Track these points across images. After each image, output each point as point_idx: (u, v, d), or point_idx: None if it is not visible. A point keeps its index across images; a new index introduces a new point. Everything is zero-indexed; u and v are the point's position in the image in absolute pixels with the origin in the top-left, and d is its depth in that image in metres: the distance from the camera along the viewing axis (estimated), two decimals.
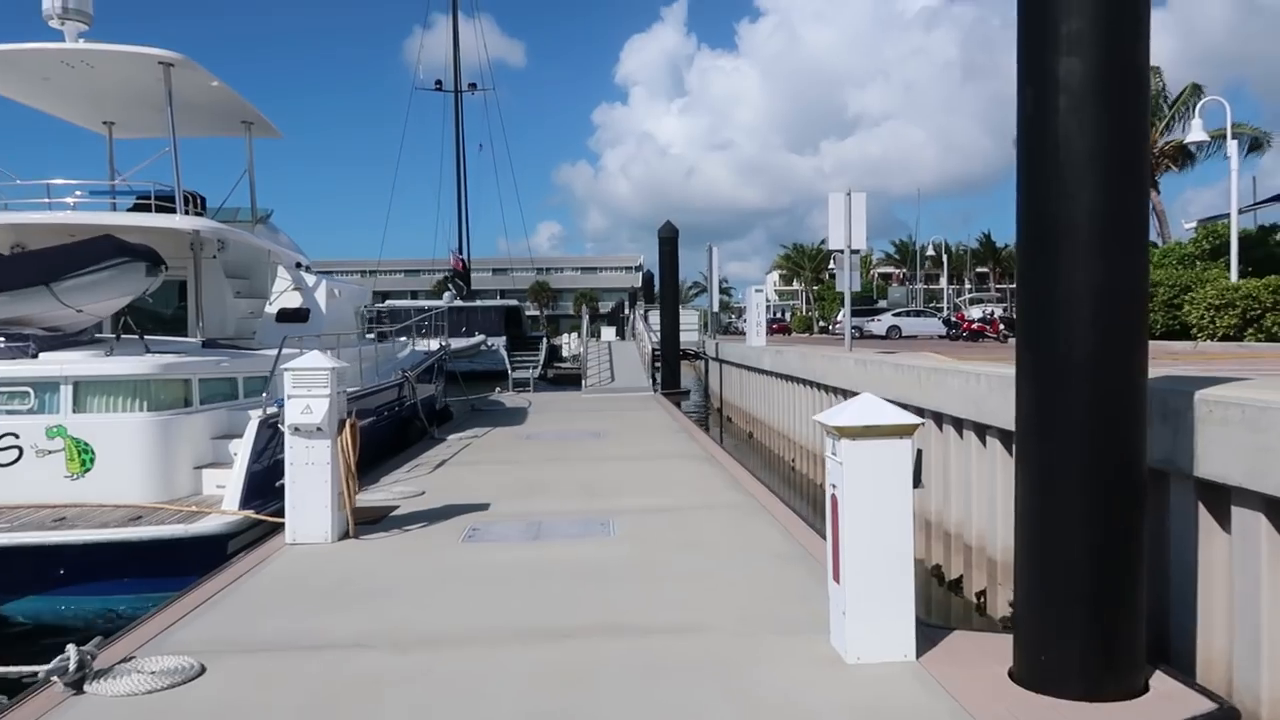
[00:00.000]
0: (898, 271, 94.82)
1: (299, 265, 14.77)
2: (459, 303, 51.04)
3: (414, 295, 68.59)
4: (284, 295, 14.19)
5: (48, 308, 9.37)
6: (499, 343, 48.19)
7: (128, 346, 9.93)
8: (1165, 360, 8.91)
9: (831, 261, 79.49)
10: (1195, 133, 23.24)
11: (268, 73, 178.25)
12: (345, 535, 7.71)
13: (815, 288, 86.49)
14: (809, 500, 14.26)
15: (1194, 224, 27.90)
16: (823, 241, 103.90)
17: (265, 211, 15.78)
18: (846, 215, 14.04)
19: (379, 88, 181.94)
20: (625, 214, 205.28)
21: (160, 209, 12.34)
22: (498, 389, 25.18)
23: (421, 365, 17.08)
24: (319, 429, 7.56)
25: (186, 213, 12.43)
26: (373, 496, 9.67)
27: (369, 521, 8.46)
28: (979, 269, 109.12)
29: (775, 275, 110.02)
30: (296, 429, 7.56)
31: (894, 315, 42.86)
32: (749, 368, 21.36)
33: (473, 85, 56.13)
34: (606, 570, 6.55)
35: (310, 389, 7.58)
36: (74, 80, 12.37)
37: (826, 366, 13.57)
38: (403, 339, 18.50)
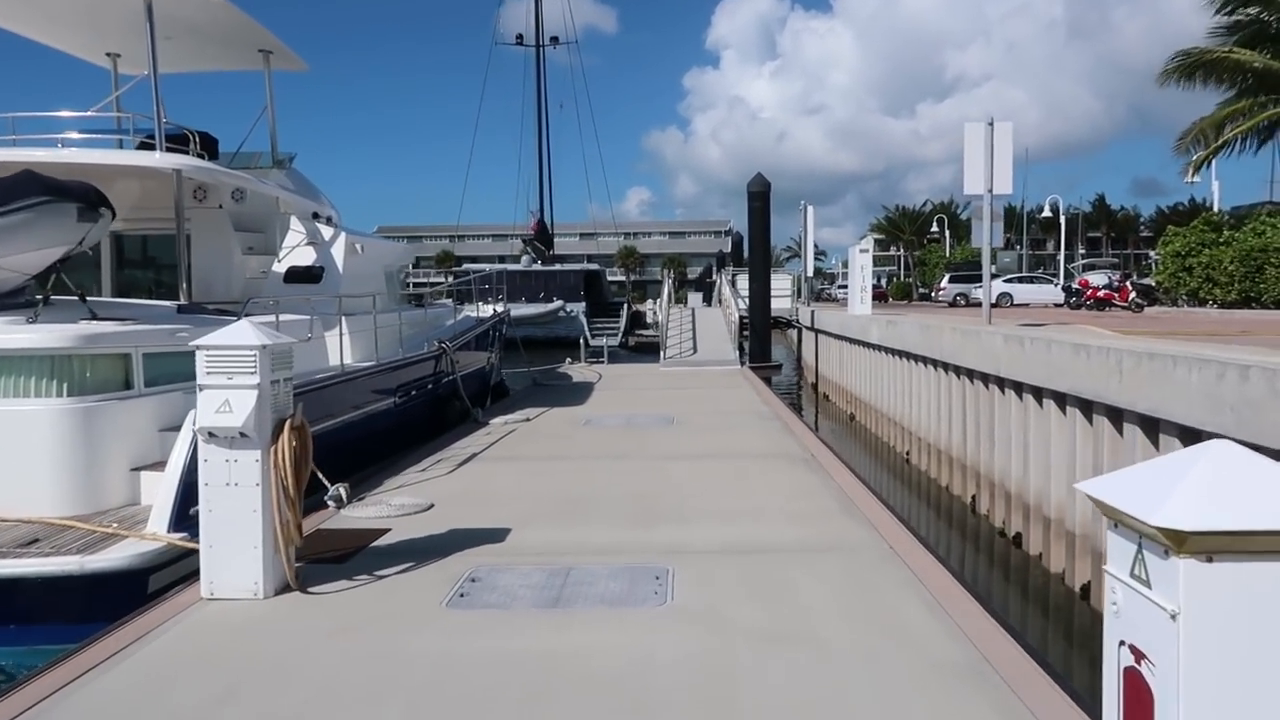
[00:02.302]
0: (1003, 236, 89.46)
1: (316, 216, 12.50)
2: (537, 266, 48.99)
3: (500, 260, 67.06)
4: (295, 251, 11.95)
5: None
6: (578, 308, 46.01)
7: (62, 311, 7.74)
8: None
9: (934, 225, 74.84)
10: None
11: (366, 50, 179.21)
12: (286, 587, 5.35)
13: (916, 252, 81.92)
14: (938, 513, 11.44)
15: None
16: (924, 205, 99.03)
17: (287, 155, 13.59)
18: (987, 151, 11.05)
19: (465, 48, 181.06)
20: (715, 179, 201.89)
21: (171, 151, 10.29)
22: (567, 360, 22.81)
23: (468, 334, 14.74)
24: (243, 434, 5.18)
25: (185, 155, 10.31)
26: (362, 513, 7.32)
27: (338, 557, 6.10)
28: (1090, 234, 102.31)
29: (871, 239, 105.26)
30: (211, 434, 5.20)
31: (1005, 281, 39.12)
32: (851, 340, 18.45)
33: (555, 39, 53.75)
34: (648, 693, 3.98)
35: (231, 376, 5.19)
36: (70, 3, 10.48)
37: (960, 343, 10.68)
38: (451, 303, 16.14)
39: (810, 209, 30.81)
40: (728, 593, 5.22)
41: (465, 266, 40.86)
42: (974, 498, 10.73)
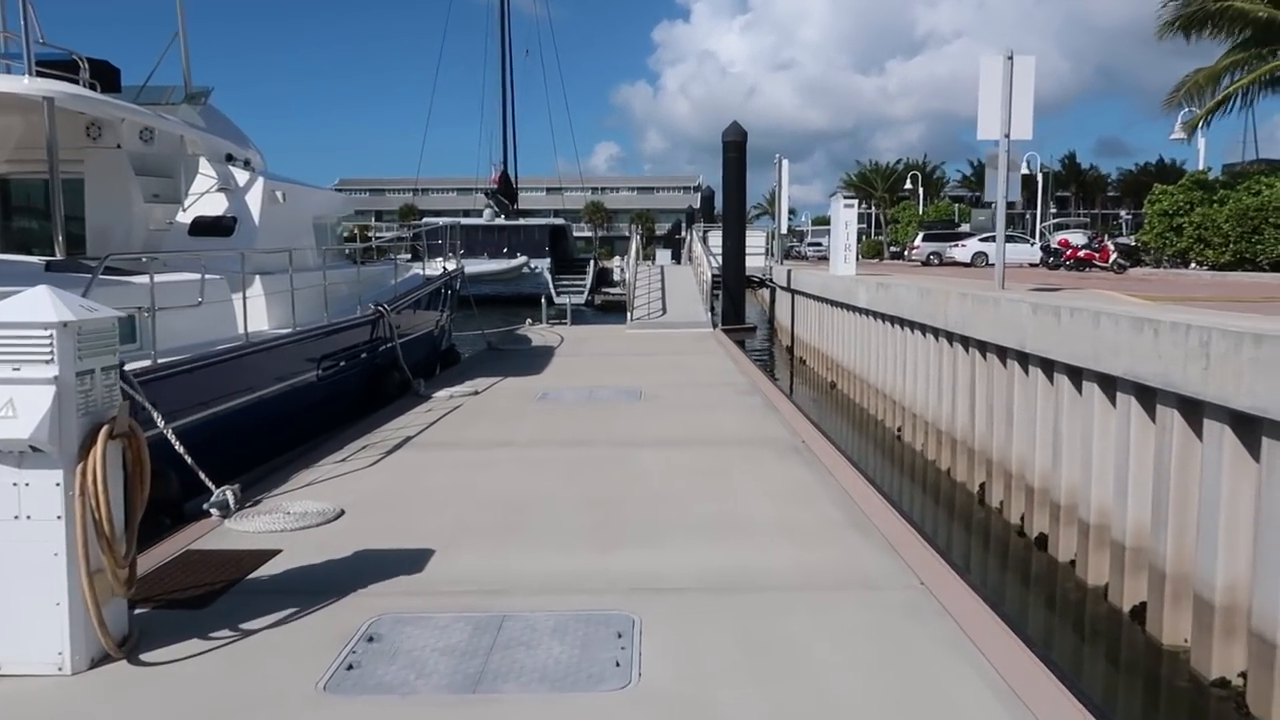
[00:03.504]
0: (971, 195, 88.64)
1: (231, 160, 10.79)
2: (500, 220, 47.05)
3: (465, 214, 64.97)
4: (204, 199, 10.28)
5: None
6: (543, 265, 44.23)
7: None
8: None
9: (907, 183, 73.52)
10: None
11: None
12: (107, 657, 3.87)
13: (888, 210, 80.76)
14: (937, 500, 10.14)
15: None
16: (898, 162, 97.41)
17: (201, 89, 11.82)
18: (1005, 91, 9.58)
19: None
20: (684, 135, 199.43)
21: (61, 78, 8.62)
22: (528, 321, 21.27)
23: (412, 295, 13.15)
24: (34, 448, 3.66)
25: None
26: (251, 525, 5.83)
27: (200, 597, 4.63)
28: (1059, 193, 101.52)
29: (840, 196, 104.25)
30: None
31: (980, 240, 38.05)
32: (834, 302, 17.07)
33: None
34: None
35: (17, 366, 3.66)
36: None
37: (972, 310, 9.29)
38: (395, 260, 14.44)
39: (785, 162, 29.31)
40: (715, 663, 3.82)
41: (424, 220, 38.89)
42: (983, 486, 9.44)
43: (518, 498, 6.44)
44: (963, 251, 35.75)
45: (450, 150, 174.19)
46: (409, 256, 25.32)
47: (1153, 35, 27.10)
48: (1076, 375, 7.20)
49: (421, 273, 15.07)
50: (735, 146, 21.69)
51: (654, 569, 4.94)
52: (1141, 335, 5.94)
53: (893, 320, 12.79)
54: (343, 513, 6.12)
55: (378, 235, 21.75)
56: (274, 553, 5.34)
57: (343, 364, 10.19)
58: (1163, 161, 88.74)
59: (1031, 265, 32.86)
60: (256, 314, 9.12)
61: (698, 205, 68.27)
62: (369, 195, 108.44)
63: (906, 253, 43.76)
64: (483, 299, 42.10)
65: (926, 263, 35.59)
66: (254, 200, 10.33)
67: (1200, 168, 29.94)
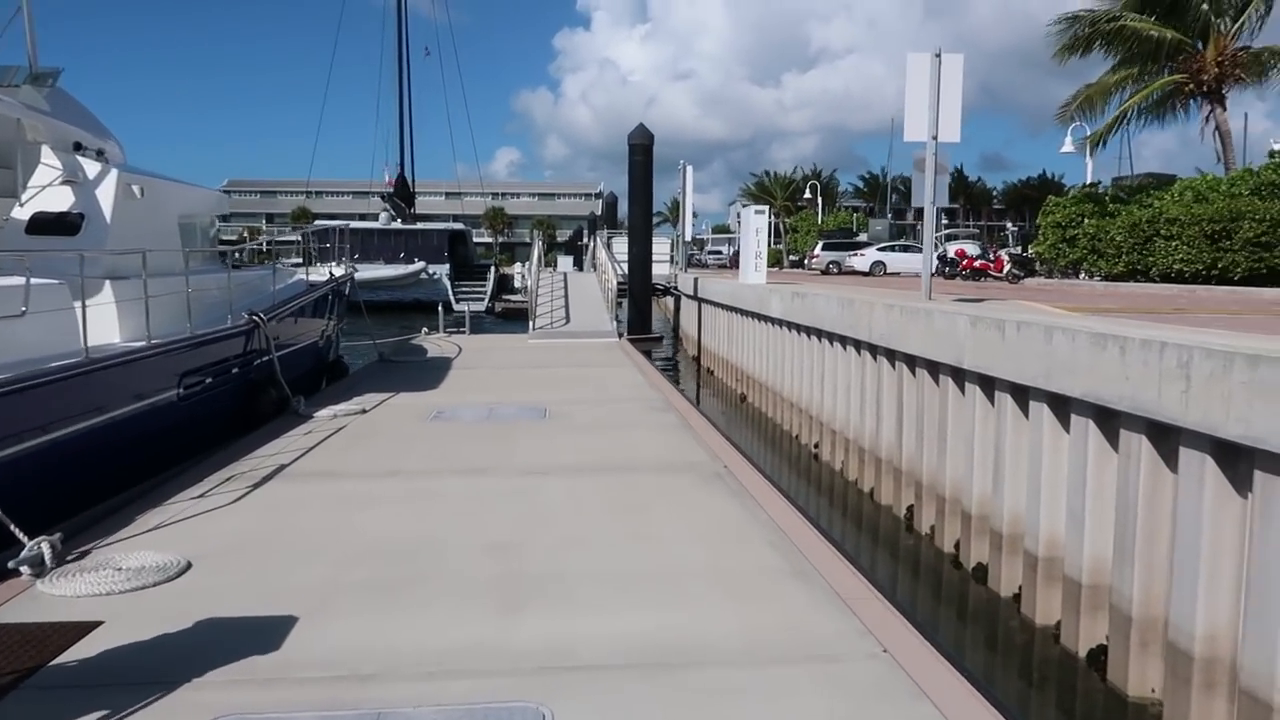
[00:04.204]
0: (866, 205, 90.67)
1: (80, 149, 9.47)
2: (397, 224, 45.35)
3: (362, 218, 62.69)
4: (45, 193, 8.96)
5: None
6: (442, 271, 42.73)
7: None
8: None
9: (807, 192, 74.40)
10: None
11: None
12: None
13: (788, 219, 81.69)
14: (860, 524, 9.55)
15: None
16: (796, 172, 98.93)
17: (49, 70, 10.41)
18: (933, 90, 9.08)
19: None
20: (585, 142, 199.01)
21: None
22: (423, 330, 20.09)
23: (294, 302, 11.96)
24: None
25: None
26: (72, 587, 4.76)
27: None
28: (949, 205, 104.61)
29: (739, 206, 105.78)
30: None
31: (878, 250, 38.58)
32: (744, 312, 16.50)
33: None
34: None
35: None
36: None
37: (901, 323, 8.73)
38: (274, 265, 13.18)
39: (690, 169, 28.84)
40: None
41: (316, 223, 37.07)
42: (911, 510, 8.89)
43: (403, 544, 5.49)
44: (861, 260, 36.27)
45: (347, 152, 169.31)
46: (299, 261, 23.83)
47: (1031, 57, 27.96)
48: (1022, 394, 6.66)
49: (305, 278, 13.83)
50: (642, 149, 20.99)
51: (567, 640, 4.09)
52: (1104, 353, 5.39)
53: (810, 331, 12.23)
54: (189, 566, 5.08)
55: (265, 239, 20.20)
56: (93, 625, 4.29)
57: (209, 381, 9.00)
58: (1045, 175, 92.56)
59: (930, 275, 33.32)
60: (105, 324, 7.91)
61: (600, 212, 67.51)
62: (260, 197, 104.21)
63: (806, 261, 43.98)
64: (378, 306, 40.33)
65: (826, 271, 35.84)
66: (106, 195, 9.06)
67: (1089, 181, 30.69)
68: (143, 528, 5.87)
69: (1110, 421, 5.60)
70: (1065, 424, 6.13)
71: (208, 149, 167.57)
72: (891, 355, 9.28)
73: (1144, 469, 5.24)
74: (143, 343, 7.99)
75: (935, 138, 9.15)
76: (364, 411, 10.16)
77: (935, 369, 8.21)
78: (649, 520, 5.97)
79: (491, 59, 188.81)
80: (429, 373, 13.69)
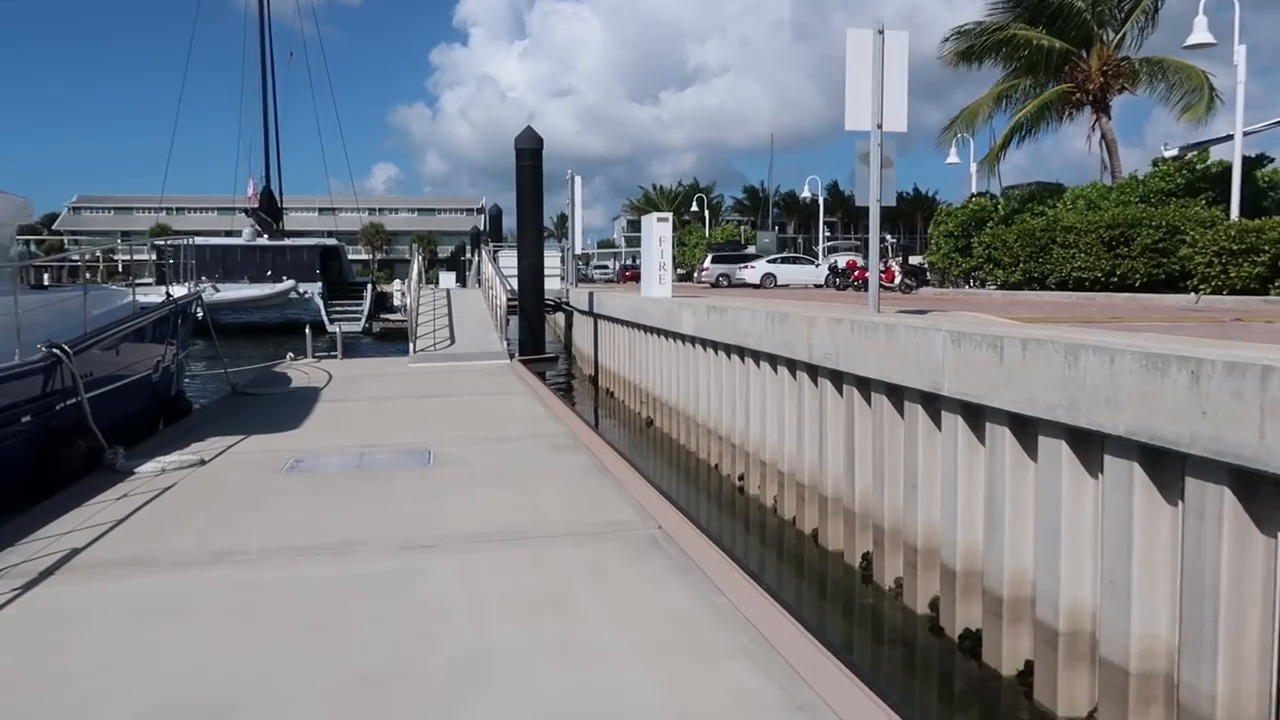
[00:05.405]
0: (748, 219, 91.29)
1: None
2: (263, 240, 42.28)
3: (227, 234, 58.68)
4: None
5: None
6: (313, 289, 39.94)
7: None
8: None
9: (693, 203, 74.11)
10: (1198, 33, 18.33)
11: None
12: None
13: (675, 233, 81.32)
14: (803, 572, 8.16)
15: (1175, 150, 23.39)
16: (678, 185, 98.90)
17: None
18: (876, 72, 7.84)
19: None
20: (465, 158, 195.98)
21: None
22: (289, 355, 17.93)
23: (116, 330, 9.86)
24: None
25: None
26: None
27: None
28: (828, 218, 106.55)
29: (624, 220, 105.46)
30: None
31: (768, 262, 38.06)
32: (650, 328, 15.07)
33: None
34: None
35: None
36: None
37: (850, 340, 7.40)
38: (86, 286, 10.94)
39: (579, 179, 27.37)
40: None
41: (168, 240, 33.97)
42: (867, 557, 7.58)
43: (221, 692, 3.76)
44: (752, 273, 35.75)
45: (210, 166, 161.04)
46: (152, 280, 21.34)
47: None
48: (1025, 426, 5.40)
49: (133, 299, 11.65)
50: (530, 154, 19.37)
51: None
52: (1165, 379, 4.13)
53: (730, 350, 10.87)
54: None
55: (56, 257, 17.77)
56: None
57: None
58: (918, 191, 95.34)
59: (817, 286, 32.85)
60: None
61: (484, 226, 65.33)
62: (114, 214, 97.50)
63: (696, 274, 43.20)
64: (242, 329, 37.23)
65: (716, 284, 35.12)
66: None
67: (974, 191, 30.70)
68: None
69: (1164, 466, 4.35)
70: (1093, 467, 4.87)
71: (51, 164, 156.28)
72: (838, 378, 7.97)
73: (1228, 529, 3.99)
74: None
75: (880, 126, 7.92)
76: (202, 463, 8.24)
77: (898, 395, 6.92)
78: (574, 622, 4.40)
79: (365, 74, 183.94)
80: (290, 408, 11.72)
